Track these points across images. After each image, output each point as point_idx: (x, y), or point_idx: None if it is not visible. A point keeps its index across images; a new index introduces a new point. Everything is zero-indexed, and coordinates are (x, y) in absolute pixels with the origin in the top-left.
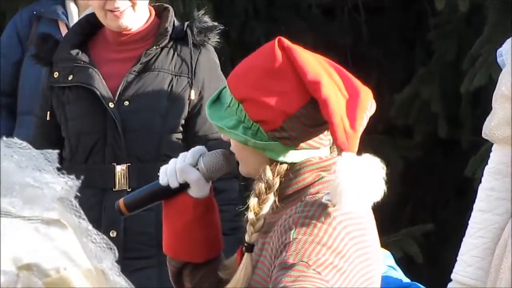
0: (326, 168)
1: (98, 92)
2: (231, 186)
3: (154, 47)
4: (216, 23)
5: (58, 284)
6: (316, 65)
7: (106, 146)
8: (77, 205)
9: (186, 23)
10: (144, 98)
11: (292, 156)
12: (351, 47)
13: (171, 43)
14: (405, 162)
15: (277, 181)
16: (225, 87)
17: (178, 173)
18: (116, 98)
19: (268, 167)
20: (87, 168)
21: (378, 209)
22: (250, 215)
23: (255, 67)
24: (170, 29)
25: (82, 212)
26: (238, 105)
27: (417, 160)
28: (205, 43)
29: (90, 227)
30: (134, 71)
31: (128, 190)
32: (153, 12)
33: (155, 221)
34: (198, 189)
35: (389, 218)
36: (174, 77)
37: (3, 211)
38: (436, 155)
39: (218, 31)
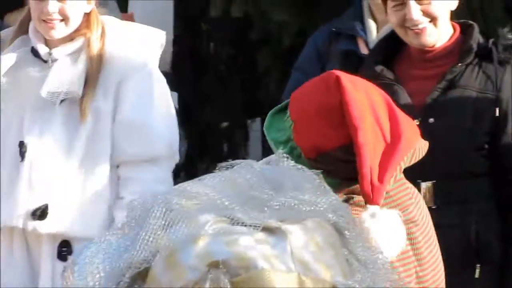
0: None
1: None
2: None
3: (459, 64)
4: None
5: (246, 283)
6: (363, 108)
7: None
8: (346, 223)
9: (490, 40)
10: (449, 116)
11: (328, 183)
12: None
13: (476, 60)
14: None
15: None
16: None
17: None
18: (422, 115)
19: None
20: None
21: None
22: None
23: (310, 95)
24: (475, 46)
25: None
26: (292, 123)
27: None
28: (510, 60)
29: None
30: (439, 88)
31: (433, 207)
32: (457, 29)
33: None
34: None
35: None
36: (478, 94)
37: (234, 219)
38: None
39: None
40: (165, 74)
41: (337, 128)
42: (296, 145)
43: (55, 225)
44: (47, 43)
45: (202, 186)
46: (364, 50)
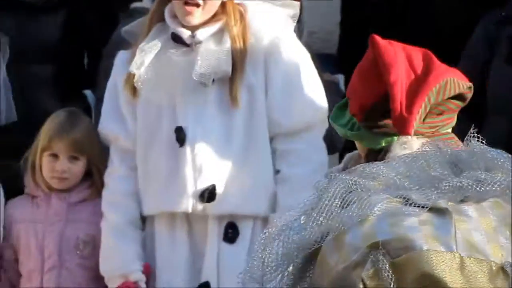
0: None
1: None
2: None
3: None
4: None
5: (405, 264)
6: (397, 57)
7: None
8: None
9: None
10: None
11: (385, 142)
12: None
13: None
14: None
15: None
16: None
17: None
18: None
19: (363, 157)
20: None
21: None
22: None
23: (356, 67)
24: None
25: None
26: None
27: None
28: None
29: None
30: None
31: None
32: None
33: None
34: None
35: None
36: None
37: (407, 199)
38: None
39: None
40: (331, 56)
41: (376, 81)
42: (354, 119)
43: (223, 205)
44: (185, 27)
45: (383, 167)
46: None
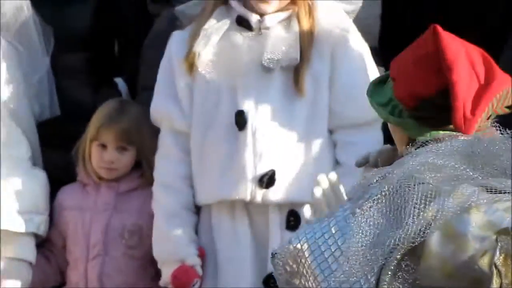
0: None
1: None
2: None
3: None
4: None
5: None
6: (459, 53)
7: None
8: None
9: None
10: None
11: (430, 136)
12: None
13: None
14: None
15: None
16: None
17: None
18: None
19: (404, 147)
20: None
21: None
22: None
23: (408, 50)
24: None
25: None
26: (392, 84)
27: None
28: None
29: None
30: None
31: None
32: None
33: None
34: None
35: None
36: None
37: (488, 187)
38: None
39: None
40: (372, 49)
41: (435, 74)
42: (397, 102)
43: (283, 193)
44: (253, 11)
45: (442, 157)
46: None
